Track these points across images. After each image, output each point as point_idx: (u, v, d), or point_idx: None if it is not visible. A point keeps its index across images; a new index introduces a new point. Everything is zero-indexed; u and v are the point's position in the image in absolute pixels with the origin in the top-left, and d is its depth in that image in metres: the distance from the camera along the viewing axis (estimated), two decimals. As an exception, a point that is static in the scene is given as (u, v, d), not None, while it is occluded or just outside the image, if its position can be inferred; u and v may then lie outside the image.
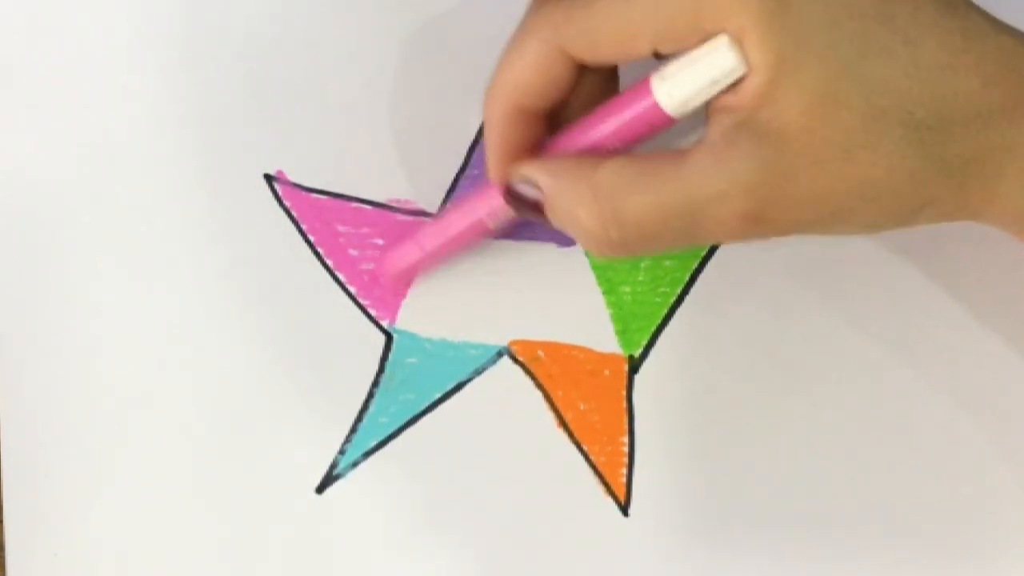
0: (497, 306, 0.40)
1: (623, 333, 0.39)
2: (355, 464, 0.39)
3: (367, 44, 0.40)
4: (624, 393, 0.39)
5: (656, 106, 0.30)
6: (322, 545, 0.39)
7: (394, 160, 0.40)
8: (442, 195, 0.40)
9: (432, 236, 0.38)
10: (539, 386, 0.39)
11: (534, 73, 0.31)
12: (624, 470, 0.39)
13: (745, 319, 0.39)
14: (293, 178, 0.40)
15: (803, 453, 0.39)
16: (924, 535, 0.39)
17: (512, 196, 0.33)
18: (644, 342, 0.39)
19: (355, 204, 0.40)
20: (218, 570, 0.38)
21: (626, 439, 0.39)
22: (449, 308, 0.40)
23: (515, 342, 0.39)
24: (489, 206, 0.35)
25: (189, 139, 0.40)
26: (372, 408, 0.39)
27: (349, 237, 0.40)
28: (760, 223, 0.30)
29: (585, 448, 0.39)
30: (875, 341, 0.39)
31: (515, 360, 0.39)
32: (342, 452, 0.39)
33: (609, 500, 0.39)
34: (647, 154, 0.31)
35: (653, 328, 0.39)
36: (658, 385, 0.39)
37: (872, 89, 0.29)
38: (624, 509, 0.39)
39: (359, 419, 0.39)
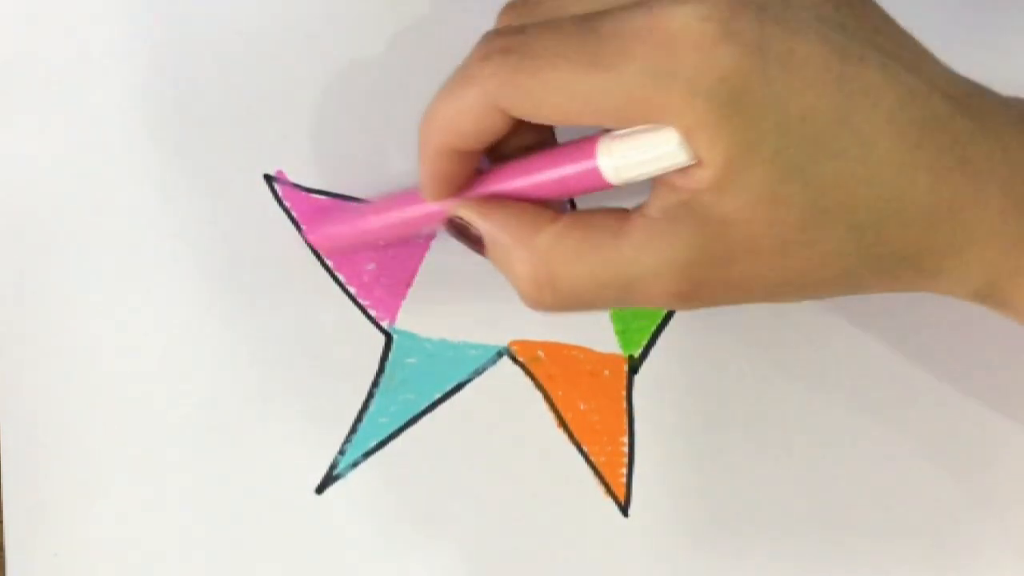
0: (497, 306, 0.40)
1: (623, 333, 0.39)
2: (355, 464, 0.39)
3: (367, 44, 0.40)
4: (624, 393, 0.39)
5: (598, 172, 0.30)
6: (322, 545, 0.39)
7: (394, 160, 0.40)
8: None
9: (365, 220, 0.38)
10: (539, 386, 0.39)
11: (469, 122, 0.31)
12: (624, 470, 0.39)
13: (745, 319, 0.39)
14: (293, 178, 0.40)
15: (802, 453, 0.39)
16: (924, 535, 0.39)
17: (455, 228, 0.33)
18: (644, 342, 0.39)
19: (355, 204, 0.40)
20: (218, 570, 0.38)
21: (626, 439, 0.39)
22: (449, 308, 0.40)
23: (515, 342, 0.39)
24: (426, 212, 0.35)
25: (189, 139, 0.40)
26: (372, 408, 0.39)
27: (349, 237, 0.40)
28: (691, 300, 0.31)
29: (585, 448, 0.39)
30: (875, 341, 0.39)
31: (515, 360, 0.39)
32: (342, 452, 0.39)
33: (609, 500, 0.39)
34: (587, 218, 0.31)
35: (653, 328, 0.39)
36: (658, 385, 0.39)
37: (818, 192, 0.28)
38: (624, 509, 0.39)
39: (359, 419, 0.39)
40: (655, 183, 0.30)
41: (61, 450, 0.39)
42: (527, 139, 0.32)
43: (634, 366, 0.40)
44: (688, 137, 0.28)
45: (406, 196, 0.36)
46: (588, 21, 0.29)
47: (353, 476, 0.39)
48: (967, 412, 0.39)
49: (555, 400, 0.39)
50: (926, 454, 0.39)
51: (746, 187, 0.28)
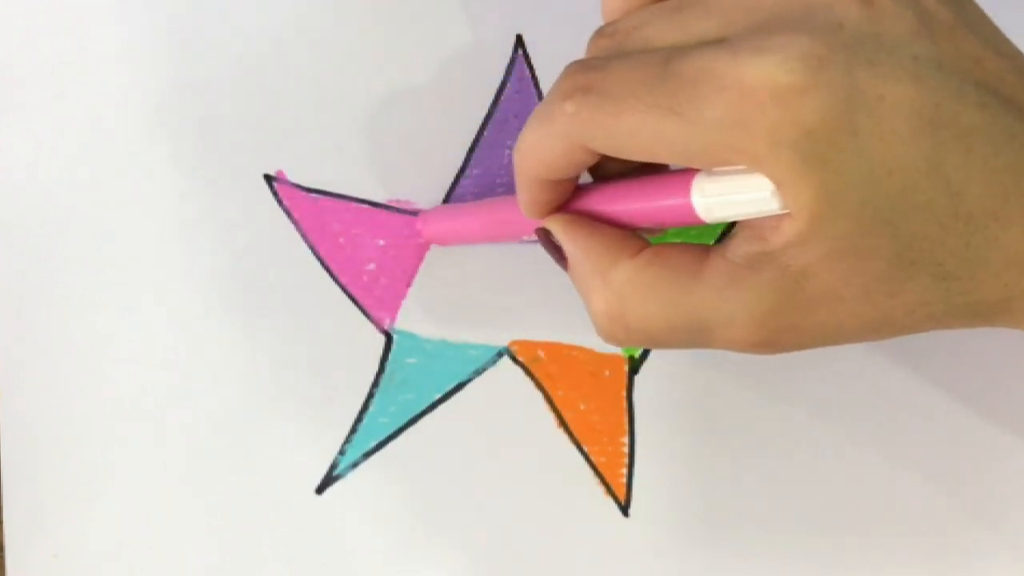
0: (497, 306, 0.40)
1: (623, 333, 0.39)
2: (355, 465, 0.39)
3: (367, 44, 0.40)
4: (624, 393, 0.39)
5: (691, 208, 0.29)
6: (322, 546, 0.39)
7: (394, 160, 0.40)
8: (442, 195, 0.40)
9: (471, 220, 0.38)
10: (539, 386, 0.39)
11: (557, 157, 0.30)
12: (624, 470, 0.39)
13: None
14: (293, 178, 0.40)
15: (803, 453, 0.39)
16: (924, 536, 0.39)
17: (544, 239, 0.33)
18: (644, 342, 0.39)
19: (355, 204, 0.40)
20: (218, 570, 0.38)
21: (626, 439, 0.39)
22: (449, 308, 0.40)
23: (515, 342, 0.39)
24: (526, 222, 0.34)
25: (189, 139, 0.40)
26: (372, 408, 0.39)
27: (349, 238, 0.40)
28: (769, 348, 0.30)
29: (585, 448, 0.39)
30: (877, 345, 0.39)
31: (515, 360, 0.39)
32: (342, 452, 0.39)
33: (609, 500, 0.39)
34: (665, 255, 0.30)
35: (653, 328, 0.39)
36: (658, 385, 0.39)
37: (904, 243, 0.27)
38: (624, 509, 0.39)
39: (359, 419, 0.39)
40: (739, 224, 0.29)
41: (61, 450, 0.39)
42: (629, 163, 0.32)
43: (634, 366, 0.39)
44: (775, 188, 0.27)
45: (511, 205, 0.35)
46: (670, 61, 0.28)
47: (353, 476, 0.39)
48: (970, 413, 0.39)
49: (555, 400, 0.39)
50: (928, 456, 0.39)
51: (829, 239, 0.27)
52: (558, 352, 0.39)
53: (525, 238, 0.35)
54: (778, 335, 0.29)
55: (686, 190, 0.29)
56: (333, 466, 0.39)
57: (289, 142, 0.40)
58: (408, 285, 0.40)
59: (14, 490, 0.39)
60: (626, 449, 0.39)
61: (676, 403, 0.39)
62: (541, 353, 0.39)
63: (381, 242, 0.40)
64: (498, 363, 0.39)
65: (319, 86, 0.40)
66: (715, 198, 0.29)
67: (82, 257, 0.39)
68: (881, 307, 0.29)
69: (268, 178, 0.40)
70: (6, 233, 0.39)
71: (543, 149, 0.30)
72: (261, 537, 0.39)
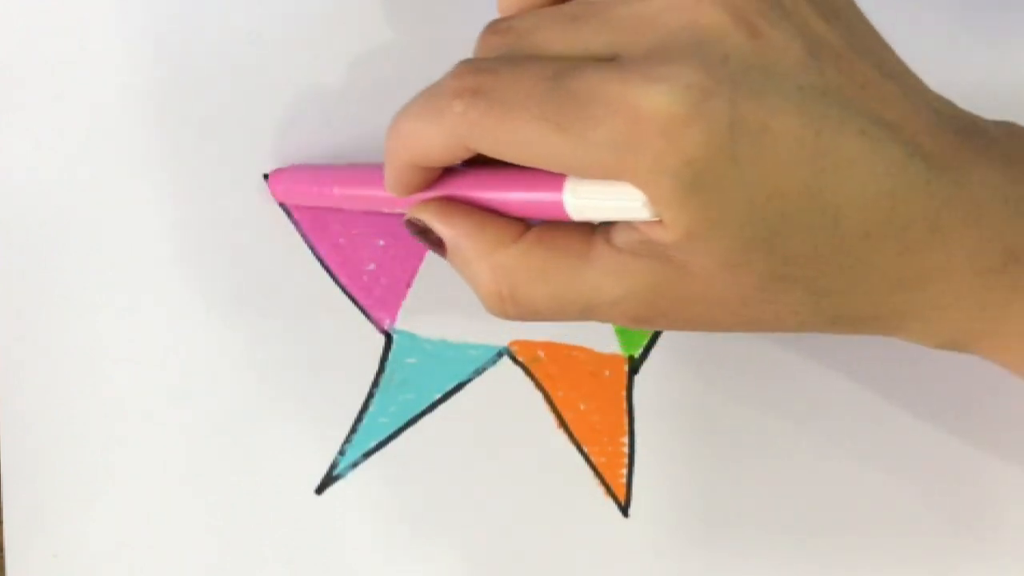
0: (497, 306, 0.40)
1: (623, 333, 0.39)
2: (355, 465, 0.39)
3: (367, 44, 0.40)
4: (624, 393, 0.39)
5: (561, 206, 0.30)
6: (322, 546, 0.39)
7: (394, 160, 0.40)
8: (442, 195, 0.40)
9: (330, 187, 0.38)
10: (539, 387, 0.39)
11: (435, 149, 0.31)
12: (624, 470, 0.39)
13: (745, 319, 0.39)
14: (293, 178, 0.40)
15: (803, 453, 0.39)
16: (923, 536, 0.39)
17: (414, 227, 0.33)
18: (644, 342, 0.39)
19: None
20: (218, 570, 0.38)
21: (626, 439, 0.39)
22: (449, 308, 0.40)
23: (515, 342, 0.39)
24: (389, 198, 0.34)
25: (189, 139, 0.40)
26: (372, 408, 0.39)
27: (349, 238, 0.40)
28: (649, 324, 0.31)
29: (585, 449, 0.39)
30: (876, 341, 0.39)
31: (515, 361, 0.39)
32: (342, 453, 0.39)
33: (609, 500, 0.39)
34: (550, 239, 0.31)
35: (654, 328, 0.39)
36: (658, 385, 0.39)
37: (780, 261, 0.28)
38: (624, 509, 0.39)
39: (359, 419, 0.39)
40: None
41: (61, 450, 0.39)
42: None
43: (634, 366, 0.40)
44: (652, 205, 0.28)
45: (374, 174, 0.35)
46: (561, 75, 0.28)
47: (353, 476, 0.39)
48: (970, 413, 0.39)
49: (555, 400, 0.39)
50: (928, 456, 0.39)
51: (706, 253, 0.28)
52: (558, 352, 0.39)
53: (386, 209, 0.35)
54: (656, 316, 0.31)
55: (558, 188, 0.30)
56: (333, 466, 0.39)
57: (289, 142, 0.40)
58: (408, 285, 0.40)
59: (14, 490, 0.39)
60: (626, 449, 0.39)
61: (676, 403, 0.39)
62: (541, 353, 0.39)
63: (381, 242, 0.40)
64: (498, 363, 0.39)
65: (319, 86, 0.40)
66: (586, 200, 0.29)
67: (82, 257, 0.39)
68: (755, 310, 0.30)
69: (268, 178, 0.40)
70: (6, 233, 0.39)
71: (424, 139, 0.31)
72: (261, 537, 0.39)
